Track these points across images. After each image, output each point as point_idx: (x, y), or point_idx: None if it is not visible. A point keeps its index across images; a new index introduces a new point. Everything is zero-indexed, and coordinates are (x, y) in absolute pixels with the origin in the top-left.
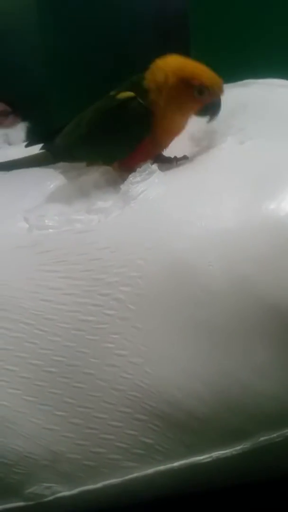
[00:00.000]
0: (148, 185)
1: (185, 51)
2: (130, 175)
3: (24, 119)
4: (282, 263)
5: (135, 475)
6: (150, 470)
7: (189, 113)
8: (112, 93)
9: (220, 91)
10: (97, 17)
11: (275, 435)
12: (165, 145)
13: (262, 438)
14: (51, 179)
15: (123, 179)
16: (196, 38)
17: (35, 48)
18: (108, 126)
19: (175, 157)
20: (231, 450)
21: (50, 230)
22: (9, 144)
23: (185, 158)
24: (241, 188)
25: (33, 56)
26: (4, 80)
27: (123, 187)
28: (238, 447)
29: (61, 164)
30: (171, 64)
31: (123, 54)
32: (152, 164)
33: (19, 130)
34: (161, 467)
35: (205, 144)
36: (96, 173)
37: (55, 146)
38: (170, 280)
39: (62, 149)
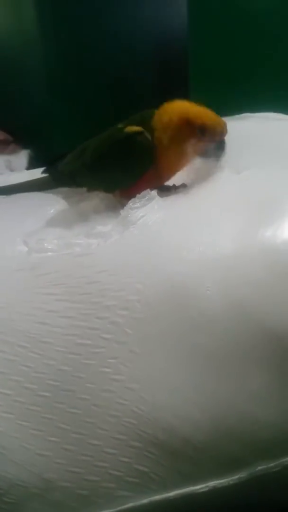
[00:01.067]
0: (148, 211)
1: (184, 89)
2: (130, 201)
3: (24, 148)
4: (278, 289)
5: (129, 505)
6: (144, 500)
7: (192, 153)
8: (120, 125)
9: (221, 132)
10: (99, 50)
11: (272, 464)
12: (166, 179)
13: (259, 467)
14: (51, 204)
15: (123, 205)
16: (195, 74)
17: (37, 80)
18: (113, 156)
19: (173, 185)
20: (227, 479)
21: (49, 253)
22: (11, 170)
23: (183, 186)
24: (238, 215)
25: (35, 88)
26: (6, 110)
27: (123, 212)
28: (235, 477)
29: (62, 189)
30: (176, 107)
31: (124, 87)
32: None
33: (22, 157)
34: (156, 497)
35: (203, 173)
36: (96, 199)
37: (58, 172)
38: (168, 304)
39: (65, 175)
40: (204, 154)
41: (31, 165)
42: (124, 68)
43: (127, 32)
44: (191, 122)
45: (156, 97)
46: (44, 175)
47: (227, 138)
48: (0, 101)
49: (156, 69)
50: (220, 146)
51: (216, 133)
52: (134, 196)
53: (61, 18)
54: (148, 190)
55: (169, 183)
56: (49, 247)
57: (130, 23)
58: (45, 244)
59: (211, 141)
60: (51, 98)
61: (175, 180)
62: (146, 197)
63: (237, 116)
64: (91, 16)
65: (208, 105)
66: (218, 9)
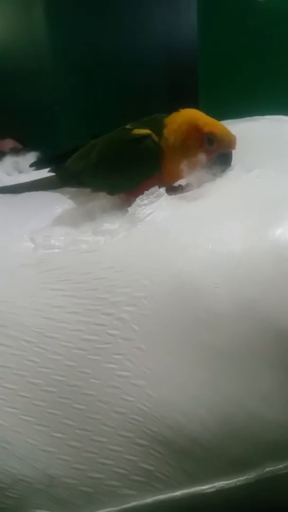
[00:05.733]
0: (155, 208)
1: (193, 98)
2: (138, 198)
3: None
4: None
5: (133, 504)
6: (149, 499)
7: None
8: (128, 126)
9: (229, 143)
10: (108, 60)
11: (281, 466)
12: (170, 184)
13: (267, 469)
14: (59, 203)
15: (130, 203)
16: (204, 83)
17: (47, 89)
18: (118, 159)
19: (180, 185)
20: (235, 480)
21: (56, 250)
22: (19, 172)
23: (190, 185)
24: (247, 213)
25: (45, 97)
26: (16, 118)
27: (130, 209)
28: (242, 478)
29: (69, 189)
30: (187, 114)
31: (134, 96)
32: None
33: (29, 159)
34: (161, 496)
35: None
36: (104, 199)
37: (63, 170)
38: (175, 301)
39: (70, 174)
40: (209, 164)
41: (39, 166)
42: (134, 77)
43: (137, 42)
44: (200, 129)
45: (166, 106)
46: (51, 174)
47: (235, 134)
48: (10, 110)
49: (166, 78)
50: (226, 158)
51: (224, 143)
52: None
53: (72, 28)
54: (156, 187)
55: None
56: (56, 243)
57: (140, 33)
58: (52, 241)
59: (218, 150)
60: (60, 107)
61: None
62: (154, 194)
63: (248, 118)
64: (101, 27)
65: (218, 112)
66: (227, 18)
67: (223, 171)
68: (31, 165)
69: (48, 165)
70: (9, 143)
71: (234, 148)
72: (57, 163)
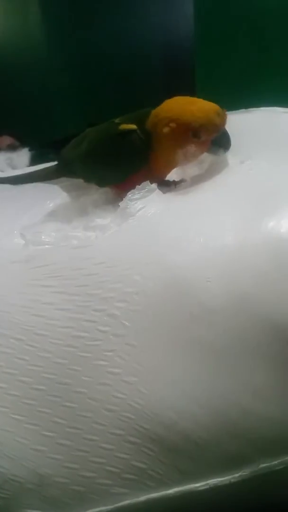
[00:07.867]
0: (147, 202)
1: (190, 92)
2: (129, 193)
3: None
4: (283, 281)
5: (126, 502)
6: (142, 498)
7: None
8: (117, 120)
9: (218, 127)
10: (105, 54)
11: (276, 462)
12: (162, 178)
13: (262, 465)
14: (50, 198)
15: (122, 198)
16: (201, 76)
17: (45, 83)
18: (104, 152)
19: (173, 181)
20: (229, 477)
21: (46, 246)
22: (13, 168)
23: (183, 181)
24: (240, 205)
25: (42, 91)
26: (13, 113)
27: (122, 204)
28: (237, 475)
29: (62, 184)
30: (166, 110)
31: (131, 91)
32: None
33: (23, 155)
34: (154, 495)
35: (205, 164)
36: (96, 194)
37: (59, 157)
38: (167, 297)
39: (64, 161)
40: (212, 149)
41: (33, 163)
42: (131, 70)
43: (134, 35)
44: (181, 129)
45: (163, 99)
46: (47, 165)
47: (229, 129)
48: (7, 107)
49: (163, 71)
50: (223, 139)
51: (212, 130)
52: (128, 191)
53: (68, 22)
54: (148, 182)
55: (169, 178)
56: (46, 239)
57: (137, 26)
58: (42, 237)
59: (210, 138)
60: (58, 101)
61: (175, 175)
62: (146, 189)
63: (243, 110)
64: (97, 20)
65: None
66: (223, 12)
67: (226, 149)
68: (30, 149)
69: (47, 150)
70: (6, 140)
71: (224, 127)
72: (55, 149)
